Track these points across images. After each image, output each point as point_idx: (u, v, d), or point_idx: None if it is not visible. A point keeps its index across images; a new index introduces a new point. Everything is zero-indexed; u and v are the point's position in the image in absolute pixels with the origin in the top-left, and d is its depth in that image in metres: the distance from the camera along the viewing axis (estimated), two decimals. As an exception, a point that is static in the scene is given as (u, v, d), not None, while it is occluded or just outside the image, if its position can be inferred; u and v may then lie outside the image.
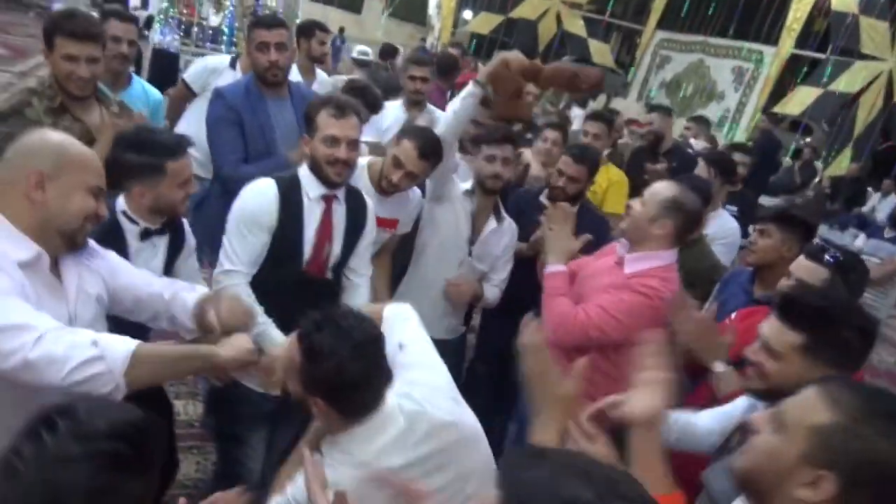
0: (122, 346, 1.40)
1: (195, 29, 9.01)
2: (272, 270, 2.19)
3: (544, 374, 1.37)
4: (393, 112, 3.72)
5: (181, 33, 8.59)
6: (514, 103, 2.45)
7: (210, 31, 9.33)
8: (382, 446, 1.40)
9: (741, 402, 1.77)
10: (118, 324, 1.72)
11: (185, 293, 1.80)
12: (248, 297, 2.12)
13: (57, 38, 2.27)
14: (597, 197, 3.65)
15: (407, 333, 1.69)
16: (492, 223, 2.78)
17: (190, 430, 3.04)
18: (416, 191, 2.72)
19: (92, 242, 1.64)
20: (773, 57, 13.55)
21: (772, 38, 13.95)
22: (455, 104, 2.49)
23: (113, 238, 1.87)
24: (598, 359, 2.17)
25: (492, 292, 2.86)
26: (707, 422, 1.80)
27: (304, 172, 2.22)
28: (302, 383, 1.40)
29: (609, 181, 3.81)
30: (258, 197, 2.15)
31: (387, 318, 1.74)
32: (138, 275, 1.76)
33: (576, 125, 10.23)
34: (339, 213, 2.27)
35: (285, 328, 2.06)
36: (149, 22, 10.93)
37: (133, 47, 2.97)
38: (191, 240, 2.18)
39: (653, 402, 1.25)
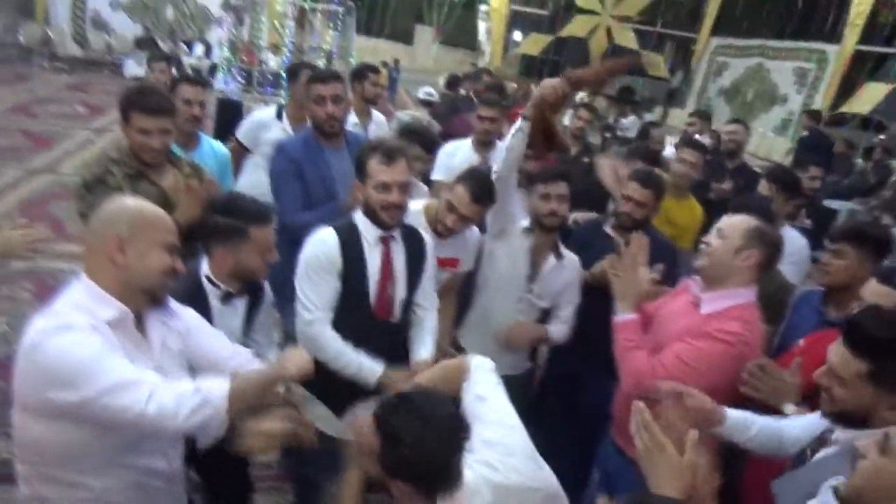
0: (220, 389, 1.54)
1: (256, 75, 9.40)
2: (343, 317, 2.27)
3: (656, 449, 1.35)
4: (463, 153, 3.78)
5: (243, 81, 8.96)
6: (550, 138, 2.62)
7: (270, 77, 9.75)
8: None
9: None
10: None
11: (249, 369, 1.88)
12: (335, 341, 2.23)
13: (132, 113, 2.45)
14: (676, 229, 3.50)
15: (487, 387, 1.69)
16: (551, 261, 2.78)
17: (268, 471, 3.13)
18: (474, 228, 2.77)
19: (172, 303, 1.76)
20: (837, 55, 13.09)
21: (834, 37, 13.49)
22: (507, 140, 2.61)
23: (196, 300, 2.00)
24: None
25: (559, 329, 2.85)
26: (795, 430, 1.77)
27: (359, 217, 2.31)
28: (382, 467, 1.41)
29: (693, 219, 3.65)
30: (321, 245, 2.25)
31: (473, 371, 1.76)
32: (212, 338, 1.87)
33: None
34: (398, 252, 2.34)
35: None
36: (212, 70, 11.49)
37: (203, 108, 3.15)
38: (268, 296, 2.30)
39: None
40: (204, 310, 2.00)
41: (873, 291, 2.00)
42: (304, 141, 2.99)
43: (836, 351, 1.57)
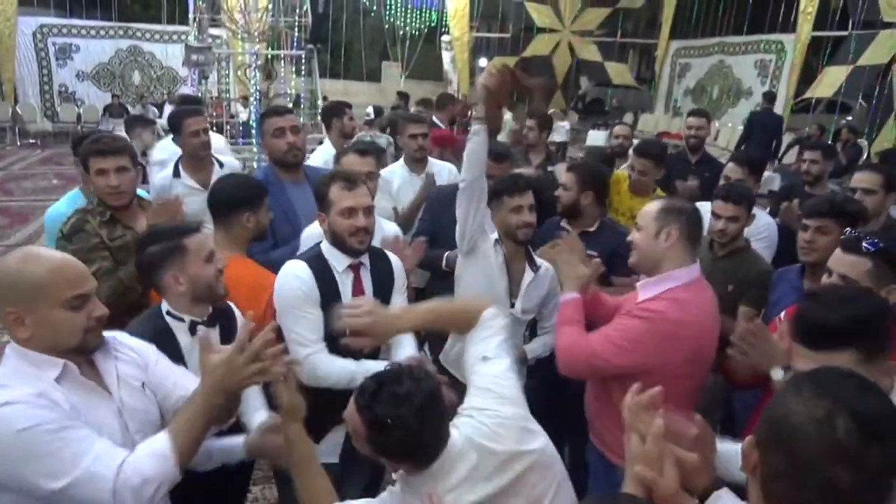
0: (166, 463, 1.44)
1: (227, 127, 9.42)
2: None
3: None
4: (399, 174, 3.78)
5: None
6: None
7: (240, 127, 9.78)
8: (456, 483, 1.41)
9: None
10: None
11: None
12: (335, 363, 2.18)
13: (89, 160, 2.55)
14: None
15: (491, 346, 1.68)
16: (529, 274, 2.71)
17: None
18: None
19: (129, 339, 1.68)
20: (794, 44, 13.35)
21: (789, 26, 13.77)
22: (467, 148, 2.54)
23: (165, 340, 1.88)
24: (610, 389, 2.13)
25: (545, 341, 2.79)
26: None
27: (326, 248, 2.28)
28: (373, 451, 1.43)
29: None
30: (296, 279, 2.20)
31: (483, 320, 1.74)
32: (172, 374, 1.75)
33: (560, 137, 10.80)
34: (368, 278, 2.32)
35: (337, 402, 2.05)
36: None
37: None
38: (241, 323, 2.20)
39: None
40: (173, 349, 1.89)
41: (840, 261, 1.99)
42: (263, 177, 2.98)
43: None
